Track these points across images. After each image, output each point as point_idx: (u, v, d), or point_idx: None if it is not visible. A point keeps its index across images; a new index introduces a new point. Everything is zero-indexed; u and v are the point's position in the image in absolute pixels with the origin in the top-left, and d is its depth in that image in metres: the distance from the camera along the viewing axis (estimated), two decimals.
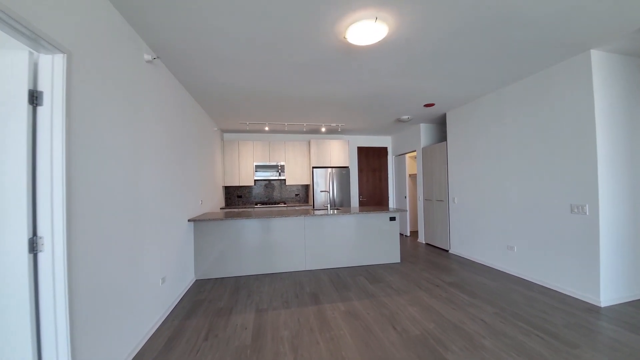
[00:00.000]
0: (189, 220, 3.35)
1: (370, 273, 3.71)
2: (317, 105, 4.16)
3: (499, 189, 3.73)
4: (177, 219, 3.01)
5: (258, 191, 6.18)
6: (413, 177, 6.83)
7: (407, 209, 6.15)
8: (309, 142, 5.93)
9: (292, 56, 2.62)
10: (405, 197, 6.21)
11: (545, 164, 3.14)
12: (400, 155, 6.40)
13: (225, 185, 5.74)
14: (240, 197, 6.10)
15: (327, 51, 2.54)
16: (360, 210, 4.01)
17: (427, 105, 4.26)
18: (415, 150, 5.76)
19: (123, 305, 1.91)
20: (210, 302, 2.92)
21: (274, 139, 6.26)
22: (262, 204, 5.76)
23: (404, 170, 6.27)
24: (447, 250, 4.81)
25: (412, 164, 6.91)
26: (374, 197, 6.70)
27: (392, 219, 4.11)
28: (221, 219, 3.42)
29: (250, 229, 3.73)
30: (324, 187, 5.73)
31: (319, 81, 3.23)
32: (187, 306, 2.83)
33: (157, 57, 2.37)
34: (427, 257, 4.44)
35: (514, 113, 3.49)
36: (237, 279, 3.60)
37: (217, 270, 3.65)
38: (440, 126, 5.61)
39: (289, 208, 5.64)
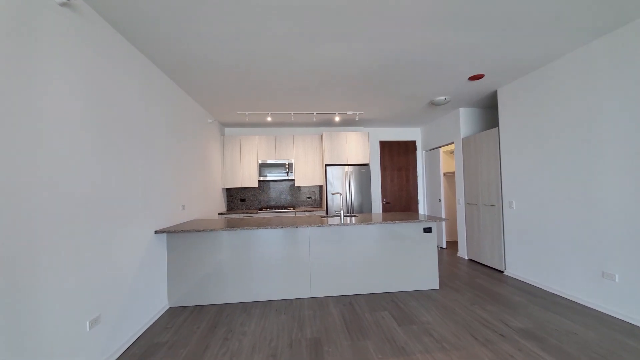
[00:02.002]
0: (156, 232, 2.57)
1: (398, 306, 2.70)
2: (326, 81, 3.25)
3: (585, 190, 2.58)
4: (132, 229, 2.23)
5: (264, 194, 5.36)
6: (449, 175, 5.68)
7: (443, 215, 5.02)
8: (322, 136, 5.03)
9: None
10: (440, 201, 5.08)
11: None
12: (433, 150, 5.30)
13: (226, 187, 4.99)
14: (243, 200, 5.33)
15: None
16: (384, 219, 3.02)
17: (473, 78, 3.19)
18: (452, 143, 4.65)
19: None
20: (170, 348, 2.09)
21: (281, 133, 5.43)
22: (269, 208, 4.94)
23: (437, 168, 5.16)
24: (501, 272, 3.66)
25: (447, 161, 5.77)
26: (400, 201, 5.63)
27: (428, 230, 3.07)
28: (198, 231, 2.61)
29: (239, 243, 2.89)
30: (339, 189, 4.78)
31: (325, 36, 2.31)
32: (139, 353, 2.02)
33: None
34: (475, 282, 3.33)
35: (618, 75, 2.34)
36: (221, 308, 2.76)
37: (196, 295, 2.83)
38: (487, 110, 4.46)
39: (298, 214, 4.76)
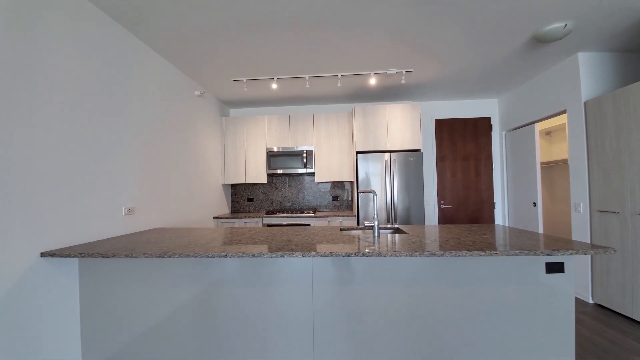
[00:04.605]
0: (42, 255, 1.48)
1: None
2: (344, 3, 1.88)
3: None
4: None
5: (277, 193, 4.16)
6: (549, 166, 3.88)
7: (540, 227, 3.27)
8: (352, 113, 3.64)
9: None
10: (535, 205, 3.34)
11: None
12: (521, 129, 3.56)
13: (227, 182, 3.88)
14: (251, 200, 4.19)
15: None
16: (457, 244, 1.55)
17: None
18: (562, 112, 2.91)
19: None
20: None
21: (297, 112, 4.16)
22: (282, 211, 3.71)
23: (529, 155, 3.41)
24: None
25: (546, 146, 3.99)
26: (465, 204, 3.98)
27: (556, 268, 1.52)
28: (107, 256, 1.45)
29: (201, 276, 1.68)
30: (376, 186, 3.35)
31: None
32: None
33: None
34: None
35: None
36: None
37: (130, 357, 1.70)
38: (627, 56, 2.64)
39: (317, 221, 3.45)
